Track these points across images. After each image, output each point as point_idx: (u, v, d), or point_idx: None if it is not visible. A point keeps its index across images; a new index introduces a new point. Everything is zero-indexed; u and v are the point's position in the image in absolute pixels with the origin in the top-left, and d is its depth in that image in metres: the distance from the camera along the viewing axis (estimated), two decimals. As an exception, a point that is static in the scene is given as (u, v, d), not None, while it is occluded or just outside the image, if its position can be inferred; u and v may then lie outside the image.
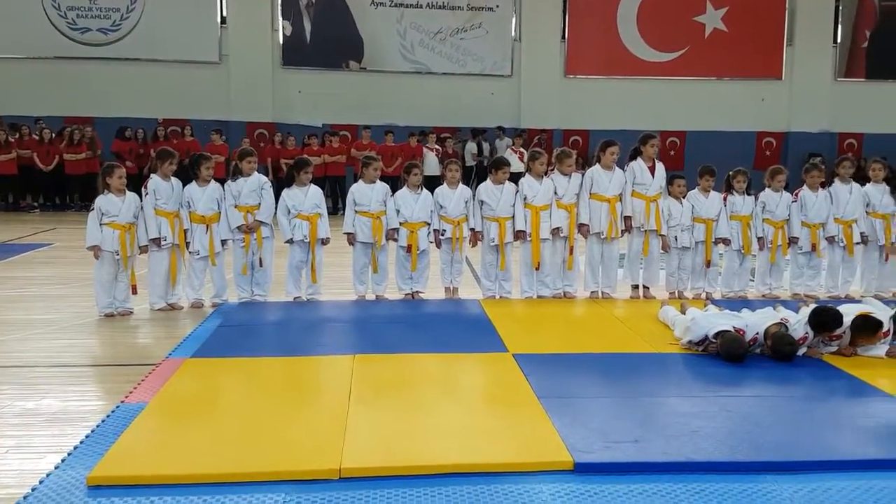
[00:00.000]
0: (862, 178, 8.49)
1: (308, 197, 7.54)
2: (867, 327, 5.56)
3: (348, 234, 7.63)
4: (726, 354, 5.46)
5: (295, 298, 7.55)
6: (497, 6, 19.24)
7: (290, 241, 7.51)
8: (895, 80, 19.81)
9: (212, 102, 18.10)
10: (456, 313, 7.23)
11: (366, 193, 7.62)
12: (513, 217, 7.65)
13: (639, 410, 4.58)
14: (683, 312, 6.39)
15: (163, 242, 7.14)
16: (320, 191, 7.80)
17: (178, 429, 4.31)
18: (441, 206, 7.70)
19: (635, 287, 7.98)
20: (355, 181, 7.92)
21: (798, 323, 5.62)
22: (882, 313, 5.76)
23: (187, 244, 7.31)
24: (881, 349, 5.63)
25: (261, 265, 7.46)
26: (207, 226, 7.31)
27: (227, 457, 3.84)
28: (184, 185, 7.33)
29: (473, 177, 16.38)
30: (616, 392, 4.96)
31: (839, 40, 19.83)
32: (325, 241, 7.58)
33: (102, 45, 18.04)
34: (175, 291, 7.35)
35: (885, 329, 5.61)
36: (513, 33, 19.43)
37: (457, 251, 7.73)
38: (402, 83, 18.92)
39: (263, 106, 18.49)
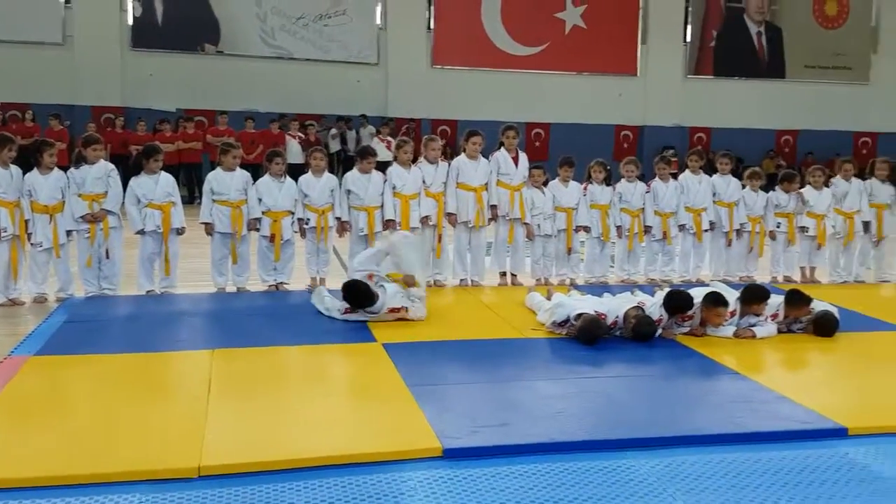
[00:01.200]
0: (712, 169, 8.95)
1: (159, 185, 7.16)
2: (716, 304, 5.87)
3: (205, 223, 7.32)
4: (582, 334, 5.62)
5: (147, 292, 7.17)
6: (361, -7, 19.07)
7: (142, 232, 7.12)
8: (740, 77, 21.16)
9: (55, 86, 16.96)
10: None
11: (224, 181, 7.33)
12: (381, 206, 7.57)
13: (506, 395, 4.64)
14: (549, 298, 6.53)
15: (2, 234, 6.59)
16: (173, 179, 7.44)
17: (24, 430, 3.99)
18: (305, 195, 7.52)
19: (502, 274, 8.11)
20: (212, 168, 7.59)
21: (654, 306, 5.86)
22: (729, 294, 6.10)
23: (29, 235, 6.79)
24: (729, 330, 5.97)
25: (107, 257, 7.03)
26: (51, 216, 6.81)
27: (78, 458, 3.59)
28: (24, 173, 6.80)
29: (338, 165, 16.17)
30: (484, 378, 5.00)
31: (689, 39, 20.95)
32: (180, 231, 7.24)
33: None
34: (17, 286, 6.82)
35: (731, 309, 5.95)
36: (378, 21, 19.31)
37: (322, 241, 7.58)
38: (262, 68, 18.41)
39: (111, 90, 17.53)
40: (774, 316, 6.07)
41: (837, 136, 20.91)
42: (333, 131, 17.26)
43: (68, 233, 6.93)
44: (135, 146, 13.89)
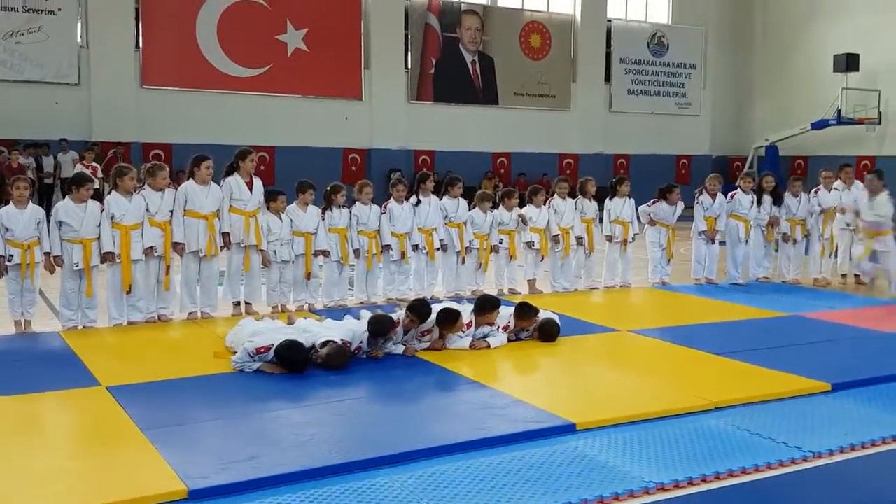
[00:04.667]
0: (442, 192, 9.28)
1: None
2: (448, 319, 6.14)
3: None
4: (333, 362, 5.57)
5: None
6: (59, 9, 17.59)
7: None
8: (458, 103, 22.48)
9: None
10: (33, 349, 6.35)
11: None
12: (98, 238, 6.95)
13: (252, 427, 4.47)
14: (291, 324, 6.40)
15: None
16: None
17: None
18: (7, 229, 6.71)
19: (236, 304, 7.80)
20: None
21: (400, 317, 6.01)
22: (462, 308, 6.41)
23: None
24: (465, 341, 6.26)
25: None
26: None
27: None
28: None
29: (36, 194, 14.61)
30: (226, 412, 4.77)
31: (410, 66, 21.86)
32: None
33: None
34: None
35: (466, 321, 6.25)
36: (79, 39, 17.88)
37: (27, 279, 6.79)
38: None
39: None
40: (506, 327, 6.50)
41: (545, 157, 23.05)
42: (28, 159, 15.62)
43: None
44: None
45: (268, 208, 7.83)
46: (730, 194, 10.02)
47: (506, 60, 23.06)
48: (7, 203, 6.99)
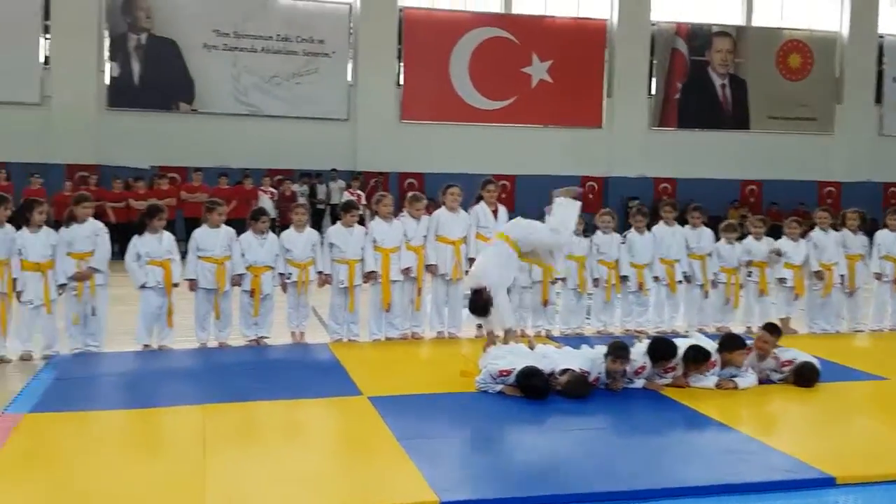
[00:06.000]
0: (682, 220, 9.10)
1: (162, 243, 7.22)
2: (697, 358, 5.98)
3: (189, 280, 7.32)
4: (573, 391, 5.68)
5: (144, 346, 7.15)
6: (333, 52, 19.35)
7: (144, 287, 7.13)
8: (704, 129, 21.72)
9: (31, 144, 16.97)
10: (305, 358, 7.08)
11: (209, 238, 7.35)
12: (362, 259, 7.65)
13: (496, 447, 4.70)
14: (532, 349, 6.57)
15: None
16: (172, 237, 7.45)
17: (25, 488, 3.99)
18: (288, 250, 7.56)
19: (479, 326, 8.13)
20: (186, 224, 7.61)
21: (637, 354, 5.96)
22: (709, 345, 6.22)
23: (18, 294, 6.75)
24: (711, 380, 6.07)
25: (94, 314, 6.99)
26: (42, 273, 6.79)
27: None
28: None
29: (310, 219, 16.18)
30: (472, 430, 5.04)
31: (653, 92, 21.52)
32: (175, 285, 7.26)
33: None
34: (5, 343, 6.74)
35: (712, 360, 6.07)
36: (349, 78, 19.60)
37: (303, 295, 7.61)
38: (235, 125, 18.54)
39: (86, 148, 17.49)
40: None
41: (802, 185, 21.38)
42: (302, 187, 17.33)
43: (61, 286, 6.87)
44: (110, 203, 13.92)
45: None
46: None
47: (760, 82, 21.91)
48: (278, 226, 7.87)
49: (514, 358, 5.98)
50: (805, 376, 6.14)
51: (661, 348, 5.95)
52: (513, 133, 20.49)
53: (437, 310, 8.02)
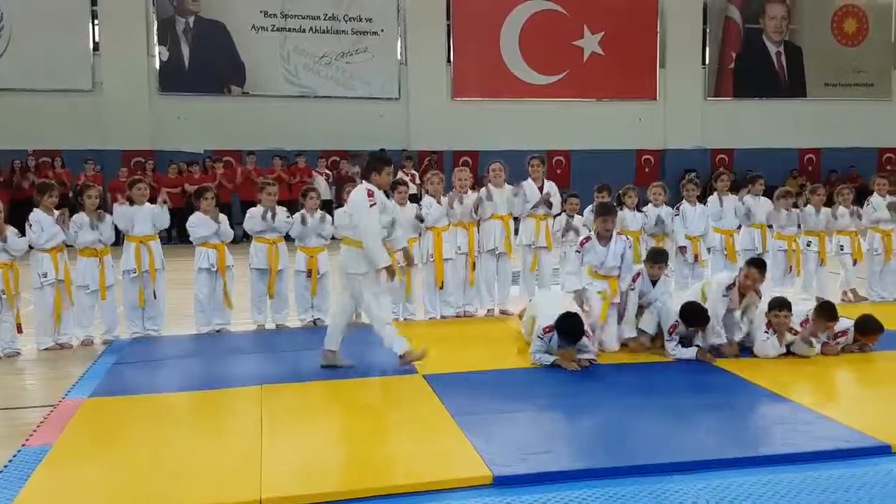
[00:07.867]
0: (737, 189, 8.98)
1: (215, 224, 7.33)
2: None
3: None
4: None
5: (202, 329, 7.33)
6: (382, 30, 19.37)
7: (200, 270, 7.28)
8: (760, 97, 21.18)
9: (85, 131, 17.30)
10: (361, 337, 7.18)
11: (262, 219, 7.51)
12: (418, 236, 7.72)
13: (549, 422, 4.73)
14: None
15: (43, 280, 6.79)
16: (226, 217, 7.60)
17: (88, 470, 4.16)
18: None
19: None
20: (241, 207, 7.75)
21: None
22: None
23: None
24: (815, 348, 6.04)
25: (154, 297, 7.21)
26: (100, 258, 7.02)
27: (144, 495, 3.75)
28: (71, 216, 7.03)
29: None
30: (526, 406, 5.06)
31: (707, 62, 21.05)
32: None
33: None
34: (65, 330, 6.98)
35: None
36: (399, 57, 19.63)
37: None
38: (287, 107, 18.69)
39: (140, 133, 17.82)
40: (805, 322, 6.11)
41: (861, 153, 20.76)
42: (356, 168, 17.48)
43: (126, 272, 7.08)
44: (166, 188, 14.24)
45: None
46: None
47: (815, 49, 21.23)
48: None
49: (548, 309, 5.99)
50: (868, 325, 6.11)
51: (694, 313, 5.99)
52: (566, 107, 20.24)
53: (487, 287, 8.04)
